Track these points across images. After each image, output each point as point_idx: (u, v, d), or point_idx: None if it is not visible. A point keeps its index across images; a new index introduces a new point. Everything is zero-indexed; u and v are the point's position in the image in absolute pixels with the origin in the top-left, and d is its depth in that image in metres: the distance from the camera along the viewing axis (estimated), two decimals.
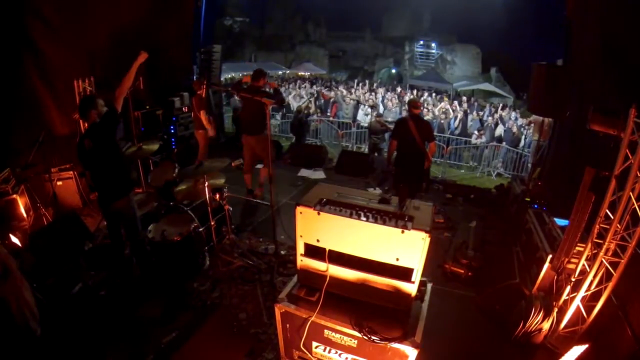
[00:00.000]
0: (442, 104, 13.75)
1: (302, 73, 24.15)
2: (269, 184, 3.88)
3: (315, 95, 14.53)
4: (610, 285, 2.63)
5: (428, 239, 1.90)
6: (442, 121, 10.82)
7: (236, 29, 28.32)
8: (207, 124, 6.00)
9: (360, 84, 18.29)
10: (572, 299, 2.81)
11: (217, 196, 3.95)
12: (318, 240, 2.14)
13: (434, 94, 16.69)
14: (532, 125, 9.20)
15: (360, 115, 11.56)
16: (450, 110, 12.24)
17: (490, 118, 11.54)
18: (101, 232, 4.37)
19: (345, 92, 15.32)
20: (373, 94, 15.02)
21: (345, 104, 12.36)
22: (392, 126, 9.28)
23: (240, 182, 5.59)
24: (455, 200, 6.26)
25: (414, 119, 4.74)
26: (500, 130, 10.45)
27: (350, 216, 2.02)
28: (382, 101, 13.64)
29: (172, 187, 4.08)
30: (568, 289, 2.86)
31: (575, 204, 2.93)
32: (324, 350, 2.27)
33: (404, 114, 10.80)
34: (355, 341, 2.12)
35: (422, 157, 4.78)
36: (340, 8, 25.25)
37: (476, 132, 10.38)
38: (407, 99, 13.94)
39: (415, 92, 16.64)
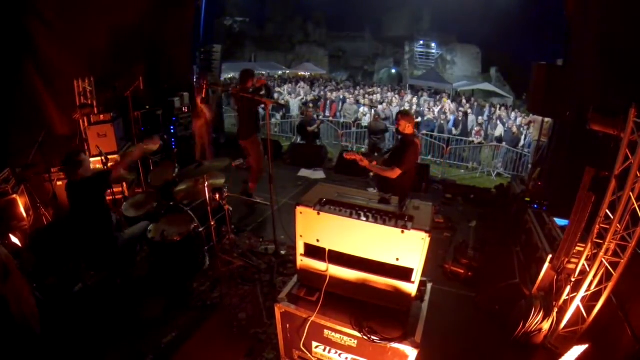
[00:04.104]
0: (448, 104, 13.66)
1: (302, 73, 24.12)
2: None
3: (317, 98, 14.50)
4: (610, 285, 2.63)
5: (428, 239, 1.90)
6: (442, 121, 10.80)
7: (236, 29, 28.27)
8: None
9: (359, 85, 18.23)
10: (572, 299, 2.81)
11: (217, 196, 3.95)
12: (318, 240, 2.14)
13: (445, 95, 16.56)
14: (532, 125, 9.20)
15: (364, 120, 11.35)
16: (449, 110, 12.20)
17: (483, 118, 11.53)
18: None
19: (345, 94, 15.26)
20: (373, 95, 14.97)
21: (348, 104, 12.34)
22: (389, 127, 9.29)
23: (240, 182, 5.58)
24: (455, 200, 6.27)
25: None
26: (500, 130, 10.44)
27: (350, 216, 2.02)
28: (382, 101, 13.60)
29: (172, 187, 4.07)
30: (568, 289, 2.85)
31: (575, 204, 2.93)
32: (324, 350, 2.27)
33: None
34: (355, 341, 2.12)
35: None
36: (340, 8, 25.22)
37: (476, 128, 10.38)
38: (406, 99, 13.89)
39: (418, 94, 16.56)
